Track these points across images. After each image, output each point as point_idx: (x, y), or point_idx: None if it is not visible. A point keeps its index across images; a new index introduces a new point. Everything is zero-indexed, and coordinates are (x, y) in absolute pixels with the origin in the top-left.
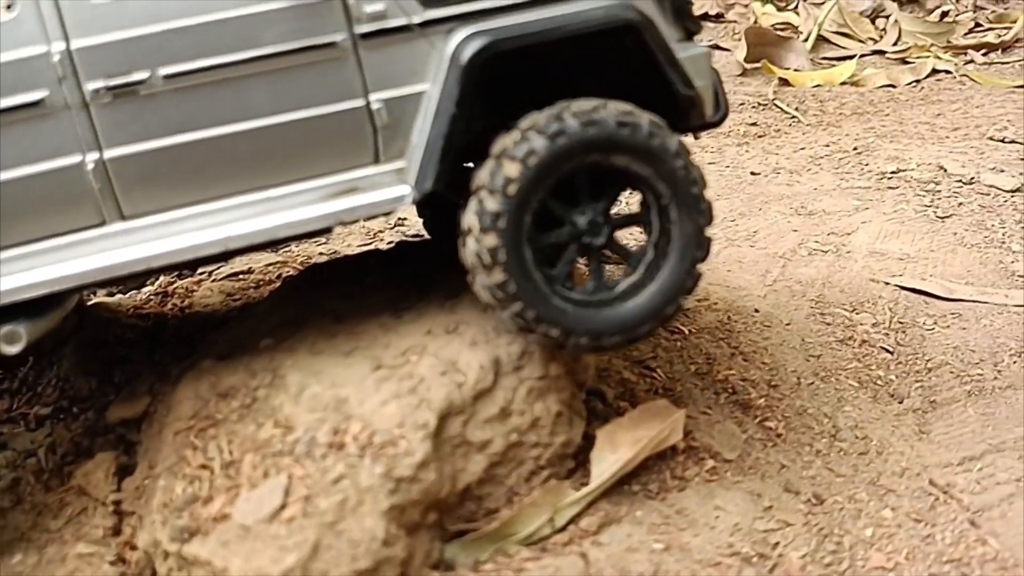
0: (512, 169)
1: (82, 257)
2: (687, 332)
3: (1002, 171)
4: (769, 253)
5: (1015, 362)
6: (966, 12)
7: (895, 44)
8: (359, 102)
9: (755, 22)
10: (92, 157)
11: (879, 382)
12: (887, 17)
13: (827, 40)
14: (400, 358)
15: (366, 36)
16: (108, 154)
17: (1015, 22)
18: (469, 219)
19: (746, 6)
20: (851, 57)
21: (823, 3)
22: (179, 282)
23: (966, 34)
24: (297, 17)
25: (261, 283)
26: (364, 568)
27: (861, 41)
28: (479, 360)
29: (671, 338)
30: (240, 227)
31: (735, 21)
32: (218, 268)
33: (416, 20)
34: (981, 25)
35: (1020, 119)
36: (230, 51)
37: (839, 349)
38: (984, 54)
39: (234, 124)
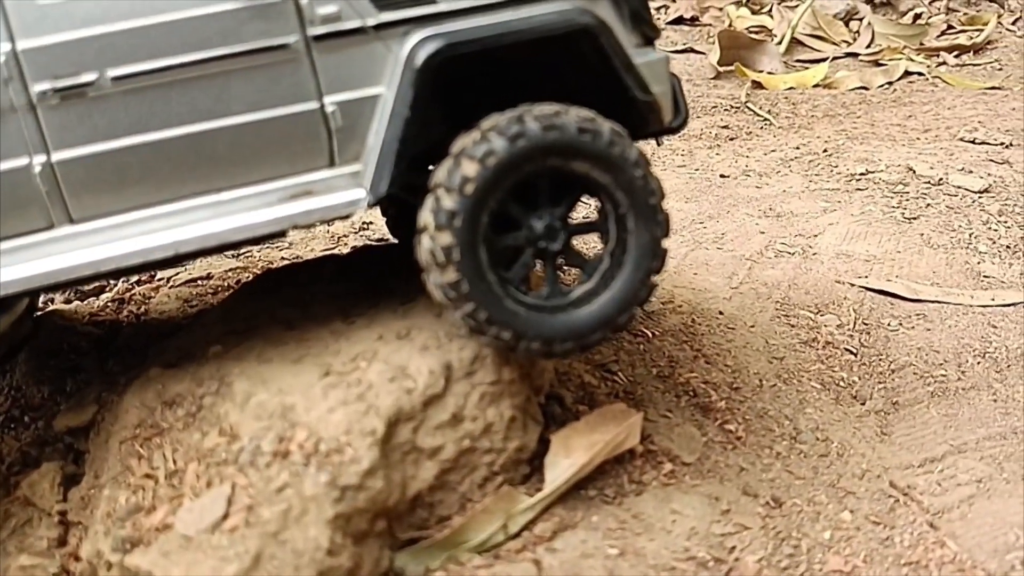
0: (470, 168)
1: (30, 261)
2: (650, 335)
3: (970, 172)
4: (736, 255)
5: (979, 363)
6: (938, 15)
7: (868, 46)
8: (313, 104)
9: (729, 25)
10: (39, 160)
11: (842, 384)
12: (860, 20)
13: (801, 43)
14: (349, 364)
15: (319, 38)
16: (56, 157)
17: (987, 24)
18: (425, 217)
19: (720, 9)
20: (824, 60)
21: (797, 6)
22: (136, 289)
23: (938, 36)
24: (248, 19)
25: (220, 289)
26: None
27: (835, 44)
28: (429, 365)
29: (634, 341)
30: (191, 230)
31: (710, 24)
32: (176, 274)
33: (370, 23)
34: (953, 27)
35: (991, 121)
36: (180, 52)
37: (802, 351)
38: (956, 56)
39: (184, 126)
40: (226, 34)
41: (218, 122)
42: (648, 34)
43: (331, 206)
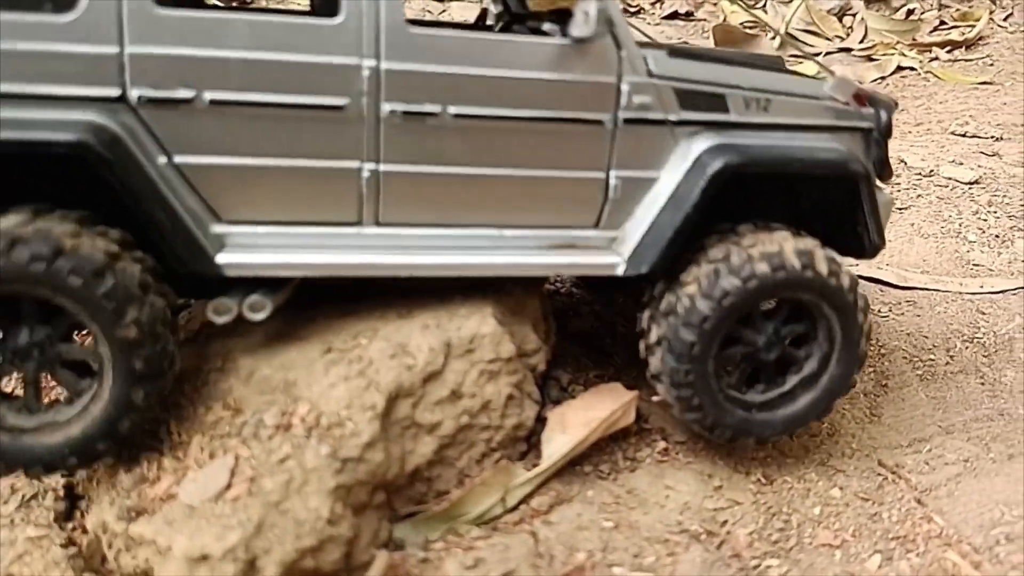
0: (705, 307)
1: (333, 250)
2: None
3: (961, 164)
4: None
5: (967, 347)
6: (931, 10)
7: (861, 41)
8: (601, 174)
9: (724, 20)
10: (369, 167)
11: None
12: (854, 15)
13: (794, 38)
14: (351, 342)
15: (628, 121)
16: (384, 168)
17: (979, 20)
18: (660, 335)
19: (715, 4)
20: (817, 55)
21: (791, 1)
22: None
23: (931, 32)
24: (578, 92)
25: None
26: (308, 546)
27: (828, 39)
28: (429, 343)
29: (629, 325)
30: (474, 257)
31: (704, 19)
32: None
33: (672, 118)
34: (946, 23)
35: (982, 115)
36: (514, 106)
37: None
38: (948, 51)
39: (496, 168)
40: (555, 100)
41: (523, 171)
42: (883, 177)
43: (591, 264)
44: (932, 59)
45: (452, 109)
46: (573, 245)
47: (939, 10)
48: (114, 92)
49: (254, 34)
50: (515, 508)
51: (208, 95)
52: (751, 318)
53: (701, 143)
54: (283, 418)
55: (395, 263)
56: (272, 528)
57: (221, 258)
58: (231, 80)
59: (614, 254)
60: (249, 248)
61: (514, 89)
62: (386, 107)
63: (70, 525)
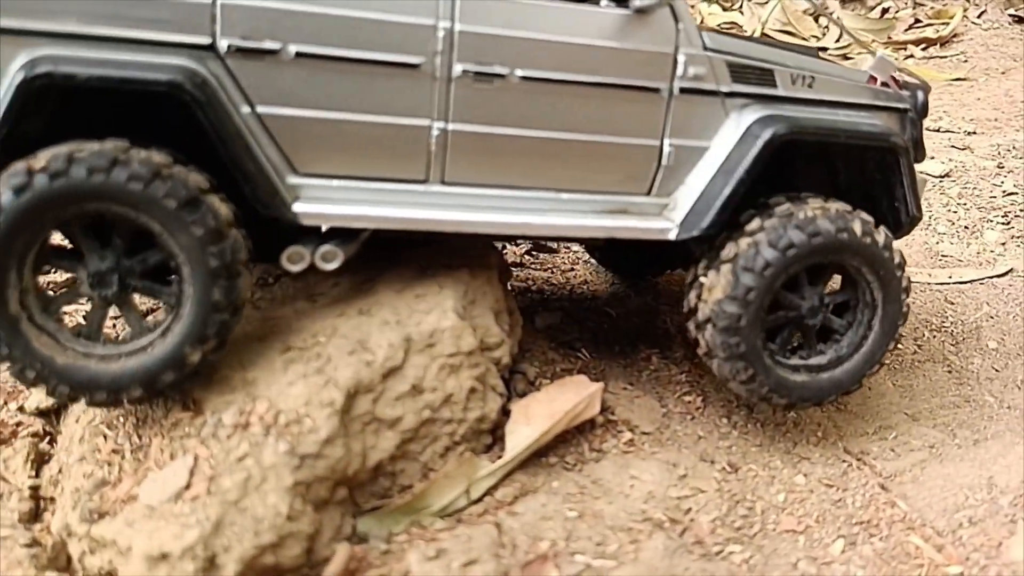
0: (748, 279)
1: (401, 206)
2: (614, 315)
3: (932, 158)
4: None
5: (935, 336)
6: (905, 9)
7: (837, 41)
8: (656, 142)
9: (701, 22)
10: (439, 125)
11: None
12: (830, 15)
13: (771, 38)
14: (310, 340)
15: (683, 91)
16: (452, 127)
17: (952, 18)
18: (709, 312)
19: (692, 6)
20: None
21: (767, 2)
22: None
23: (906, 30)
24: (638, 60)
25: None
26: (267, 543)
27: (804, 39)
28: (388, 339)
29: (598, 321)
30: (534, 218)
31: None
32: None
33: (724, 89)
34: (920, 21)
35: (955, 110)
36: (579, 71)
37: None
38: (923, 49)
39: (560, 132)
40: (616, 67)
41: (584, 135)
42: (919, 158)
43: (644, 228)
44: (907, 57)
45: (519, 72)
46: (626, 210)
47: (914, 8)
48: (205, 40)
49: None
50: (479, 500)
51: (293, 47)
52: (796, 284)
53: (751, 114)
54: (241, 417)
55: (459, 220)
56: (231, 526)
57: (298, 207)
58: (316, 34)
59: (665, 220)
60: (323, 200)
61: (577, 55)
62: (458, 67)
63: (37, 526)
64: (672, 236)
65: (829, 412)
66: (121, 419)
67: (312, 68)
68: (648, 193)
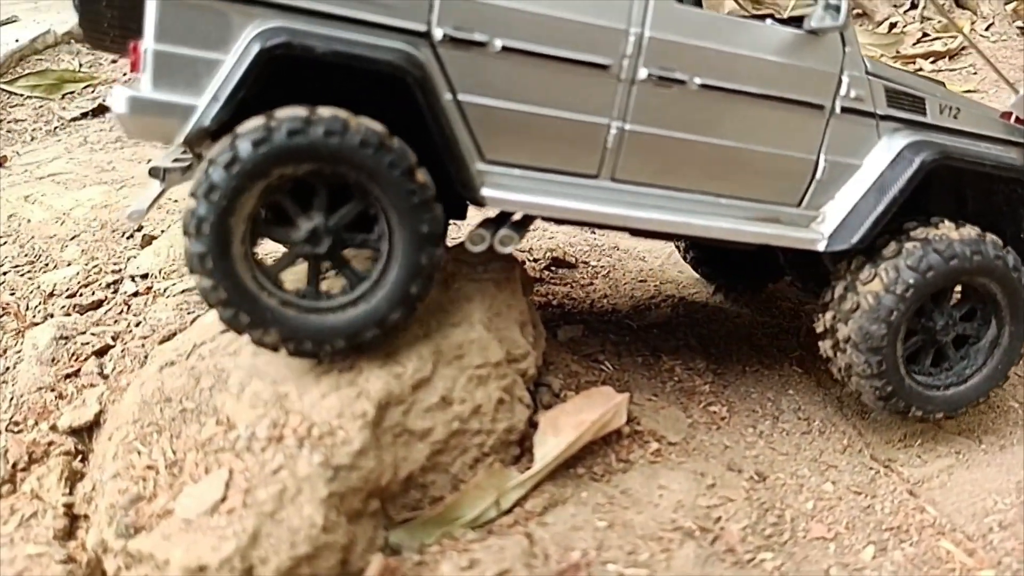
0: (890, 301)
1: (573, 198)
2: (635, 327)
3: None
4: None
5: None
6: (913, 23)
7: None
8: (812, 156)
9: None
10: (617, 125)
11: (823, 368)
12: None
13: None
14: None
15: (844, 110)
16: (629, 127)
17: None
18: (847, 333)
19: None
20: None
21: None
22: (133, 300)
23: (914, 44)
24: (806, 77)
25: None
26: (303, 554)
27: None
28: (418, 351)
29: (619, 333)
30: (695, 219)
31: None
32: (173, 284)
33: (879, 112)
34: (928, 35)
35: None
36: (750, 83)
37: (784, 338)
38: (932, 62)
39: (726, 139)
40: (786, 83)
41: (749, 144)
42: None
43: (794, 237)
44: (917, 70)
45: (698, 79)
46: (778, 219)
47: (921, 22)
48: (421, 27)
49: None
50: (509, 511)
51: (499, 41)
52: (926, 305)
53: (902, 138)
54: (275, 430)
55: (625, 215)
56: (267, 537)
57: (485, 191)
58: (521, 29)
59: (814, 232)
60: (506, 187)
61: (752, 67)
62: (643, 71)
63: (72, 543)
64: (821, 247)
65: (854, 421)
66: (155, 435)
67: (513, 62)
68: (798, 204)
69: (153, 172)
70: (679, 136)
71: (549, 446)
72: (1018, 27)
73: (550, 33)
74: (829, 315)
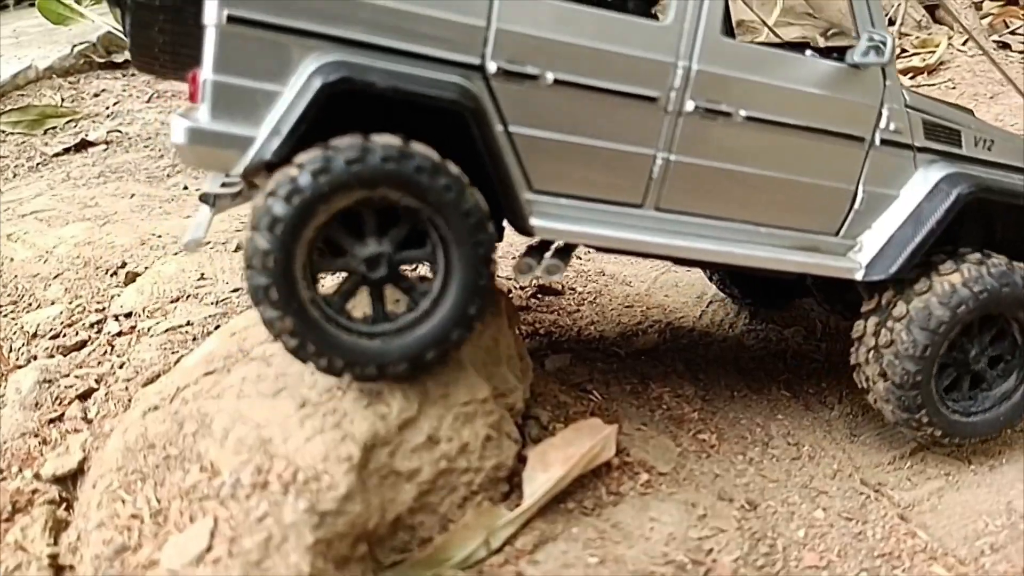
0: (923, 337)
1: (618, 227)
2: (623, 354)
3: None
4: (704, 275)
5: None
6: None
7: None
8: (852, 186)
9: None
10: (663, 155)
11: (811, 391)
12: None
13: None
14: (325, 394)
15: (883, 142)
16: (675, 158)
17: (938, 46)
18: (885, 368)
19: None
20: None
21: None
22: (117, 340)
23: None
24: (848, 110)
25: (199, 335)
26: None
27: None
28: (403, 390)
29: (607, 361)
30: (736, 248)
31: None
32: (157, 323)
33: (917, 144)
34: (907, 51)
35: None
36: (793, 115)
37: (771, 362)
38: (911, 77)
39: (768, 170)
40: (828, 115)
41: (790, 175)
42: None
43: (832, 266)
44: None
45: (743, 111)
46: (817, 248)
47: (899, 39)
48: (475, 60)
49: (599, 25)
50: (500, 549)
51: (551, 74)
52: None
53: (938, 170)
54: (260, 476)
55: (668, 244)
56: None
57: (534, 220)
58: (572, 63)
59: (851, 260)
60: (553, 216)
61: (796, 100)
62: (690, 103)
63: None
64: (858, 276)
65: (843, 444)
66: (139, 483)
67: (564, 94)
68: (836, 233)
69: (204, 198)
70: (723, 166)
71: (538, 482)
72: (995, 40)
73: (600, 66)
74: (862, 349)
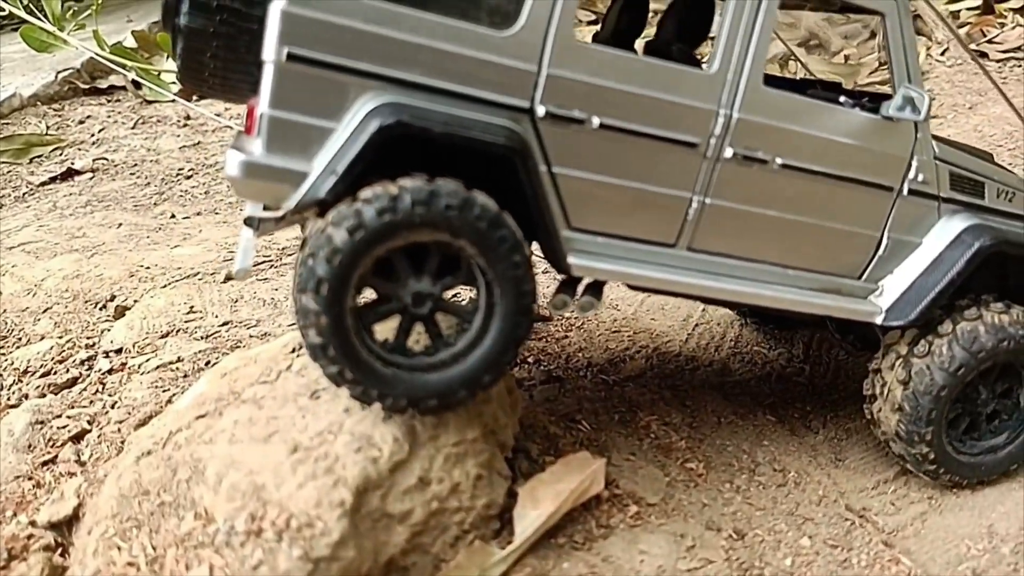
0: (942, 379)
1: (651, 266)
2: (611, 382)
3: None
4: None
5: None
6: (870, 53)
7: None
8: (877, 233)
9: None
10: (699, 199)
11: (796, 415)
12: (796, 61)
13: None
14: (316, 439)
15: (910, 192)
16: (710, 201)
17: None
18: (901, 402)
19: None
20: None
21: None
22: (108, 378)
23: (871, 73)
24: (880, 160)
25: (190, 372)
26: None
27: None
28: (394, 433)
29: (595, 389)
30: (764, 289)
31: None
32: (147, 360)
33: (942, 195)
34: (884, 65)
35: None
36: (827, 164)
37: (757, 386)
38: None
39: (799, 215)
40: (860, 165)
41: (820, 220)
42: None
43: (854, 309)
44: None
45: (779, 159)
46: (840, 291)
47: (879, 52)
48: (524, 104)
49: (646, 72)
50: None
51: (597, 119)
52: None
53: (960, 221)
54: (254, 523)
55: (699, 284)
56: None
57: (571, 259)
58: (618, 108)
59: (872, 304)
60: (589, 255)
61: (830, 150)
62: (728, 150)
63: None
64: (879, 320)
65: (828, 470)
66: (134, 530)
67: (608, 138)
68: (859, 277)
69: (248, 221)
70: (755, 210)
71: (529, 519)
72: (973, 49)
73: (645, 112)
74: (877, 384)
